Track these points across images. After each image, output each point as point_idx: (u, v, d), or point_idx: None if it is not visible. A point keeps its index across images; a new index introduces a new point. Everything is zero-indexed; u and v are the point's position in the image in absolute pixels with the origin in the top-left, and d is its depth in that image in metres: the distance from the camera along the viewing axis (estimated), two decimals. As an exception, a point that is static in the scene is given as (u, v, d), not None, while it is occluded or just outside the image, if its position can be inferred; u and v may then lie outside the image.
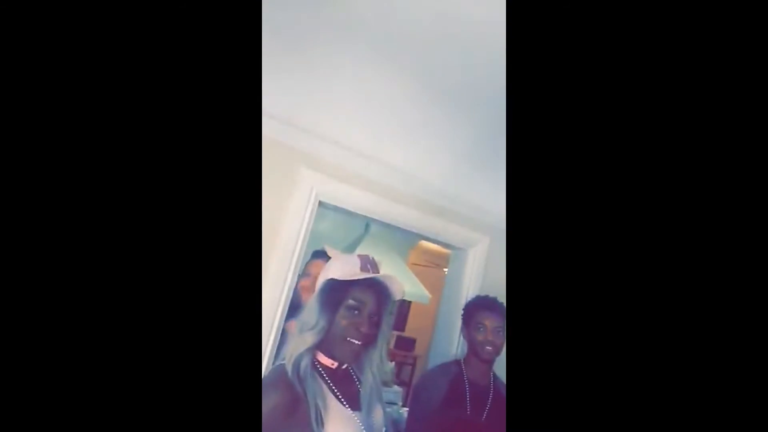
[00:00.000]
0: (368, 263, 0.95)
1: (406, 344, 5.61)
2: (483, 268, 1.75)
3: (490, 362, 1.37)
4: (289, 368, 0.82)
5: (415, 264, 5.01)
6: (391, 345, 5.48)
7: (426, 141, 1.54)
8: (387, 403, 0.99)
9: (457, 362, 1.44)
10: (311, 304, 0.91)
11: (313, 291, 1.33)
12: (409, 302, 5.67)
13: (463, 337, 1.47)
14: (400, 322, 5.87)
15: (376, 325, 0.92)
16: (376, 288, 0.93)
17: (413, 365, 5.24)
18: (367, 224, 3.29)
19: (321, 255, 1.49)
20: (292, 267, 1.40)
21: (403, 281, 0.98)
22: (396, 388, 3.05)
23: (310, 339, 0.86)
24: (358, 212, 1.53)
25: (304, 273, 1.53)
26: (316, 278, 1.47)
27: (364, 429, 0.85)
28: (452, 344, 1.69)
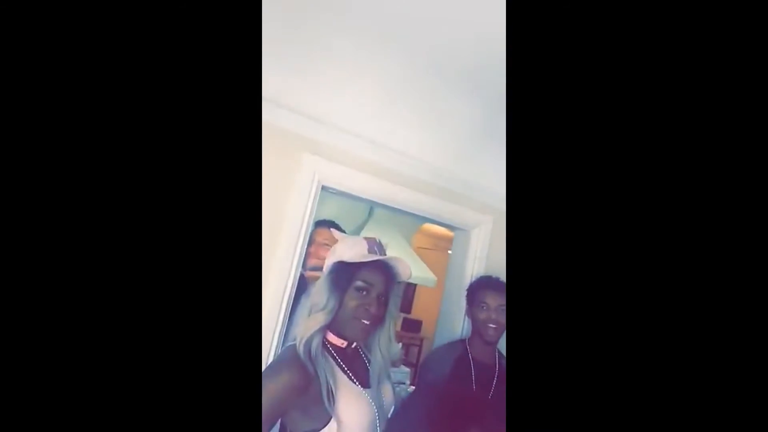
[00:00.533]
0: (375, 246, 0.97)
1: (412, 326, 5.69)
2: (486, 248, 1.77)
3: (494, 341, 1.39)
4: (300, 348, 0.85)
5: (420, 247, 5.04)
6: (398, 327, 5.55)
7: (427, 122, 1.53)
8: (395, 382, 1.02)
9: (462, 341, 1.47)
10: (320, 286, 0.93)
11: (317, 257, 1.34)
12: (415, 285, 5.73)
13: (467, 316, 1.50)
14: (407, 305, 5.94)
15: (384, 305, 0.94)
16: (384, 270, 0.95)
17: (420, 346, 5.33)
18: (371, 208, 3.30)
19: (323, 224, 1.51)
20: (297, 252, 1.42)
21: (409, 264, 1.00)
22: (404, 368, 3.11)
23: (320, 319, 0.88)
24: (360, 195, 1.53)
25: (309, 241, 1.54)
26: (320, 245, 1.48)
27: (374, 405, 0.88)
28: (457, 325, 1.72)
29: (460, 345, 1.45)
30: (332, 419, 0.81)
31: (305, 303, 0.95)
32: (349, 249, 0.94)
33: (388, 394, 0.94)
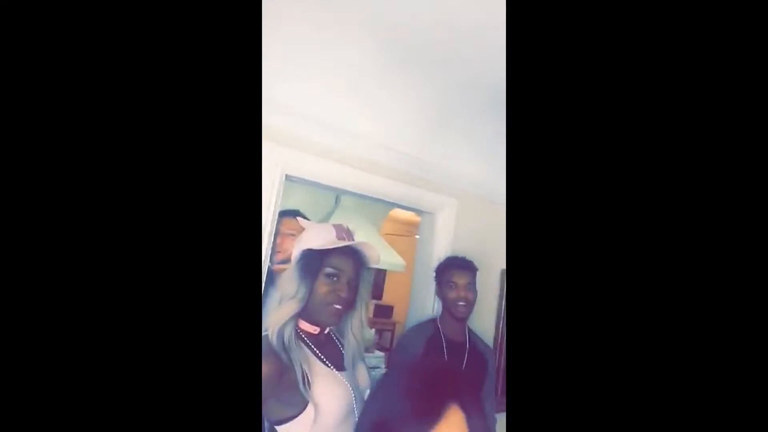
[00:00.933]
0: (343, 232, 0.97)
1: (384, 312, 5.76)
2: (452, 229, 1.81)
3: (464, 318, 1.44)
4: (273, 339, 0.84)
5: (388, 234, 5.07)
6: (371, 313, 5.61)
7: (389, 107, 1.54)
8: (371, 367, 1.04)
9: (432, 320, 1.51)
10: (290, 274, 0.93)
11: (284, 249, 1.33)
12: (385, 271, 5.78)
13: (437, 296, 1.54)
14: (378, 291, 6.00)
15: (354, 289, 0.95)
16: (353, 255, 0.96)
17: (393, 331, 5.41)
18: (337, 197, 3.28)
19: (288, 214, 1.50)
20: (265, 243, 1.40)
21: (378, 249, 1.01)
22: (378, 353, 3.17)
23: (291, 308, 0.88)
24: (325, 183, 1.53)
25: (275, 233, 1.52)
26: (286, 235, 1.47)
27: (350, 387, 0.89)
28: (427, 307, 1.76)
29: (431, 324, 1.49)
30: (309, 404, 0.82)
31: (275, 293, 0.94)
32: (316, 236, 0.94)
33: (363, 376, 0.96)
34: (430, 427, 0.46)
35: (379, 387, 0.54)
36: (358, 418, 0.84)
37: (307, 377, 0.83)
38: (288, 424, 0.83)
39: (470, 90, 1.52)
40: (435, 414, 0.47)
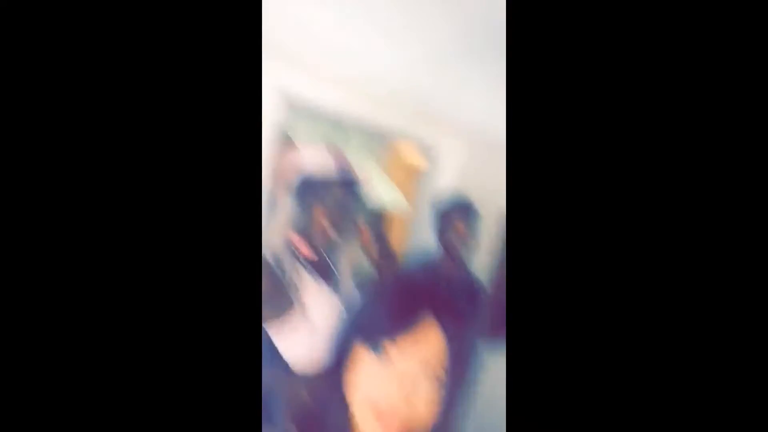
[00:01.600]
0: (342, 160, 0.96)
1: (386, 253, 5.93)
2: (457, 172, 1.78)
3: (462, 260, 1.45)
4: (270, 259, 0.87)
5: (393, 176, 5.06)
6: (374, 254, 5.78)
7: (404, 39, 1.45)
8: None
9: (432, 261, 1.53)
10: (289, 200, 0.95)
11: (282, 171, 1.34)
12: (388, 214, 5.84)
13: (437, 239, 1.54)
14: (380, 234, 6.12)
15: (350, 218, 0.96)
16: (351, 186, 0.96)
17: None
18: (343, 130, 3.23)
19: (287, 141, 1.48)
20: (265, 169, 1.39)
21: (381, 189, 1.02)
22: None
23: (288, 232, 0.91)
24: (330, 115, 1.49)
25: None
26: (282, 159, 1.46)
27: (340, 303, 0.94)
28: (428, 248, 1.77)
29: (430, 266, 1.51)
30: (300, 311, 0.87)
31: (275, 216, 0.96)
32: (315, 160, 0.94)
33: (353, 292, 0.99)
34: (405, 331, 0.46)
35: (363, 291, 0.55)
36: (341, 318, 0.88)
37: (297, 286, 0.88)
38: (279, 326, 0.87)
39: (487, 28, 1.42)
40: (410, 319, 0.47)
